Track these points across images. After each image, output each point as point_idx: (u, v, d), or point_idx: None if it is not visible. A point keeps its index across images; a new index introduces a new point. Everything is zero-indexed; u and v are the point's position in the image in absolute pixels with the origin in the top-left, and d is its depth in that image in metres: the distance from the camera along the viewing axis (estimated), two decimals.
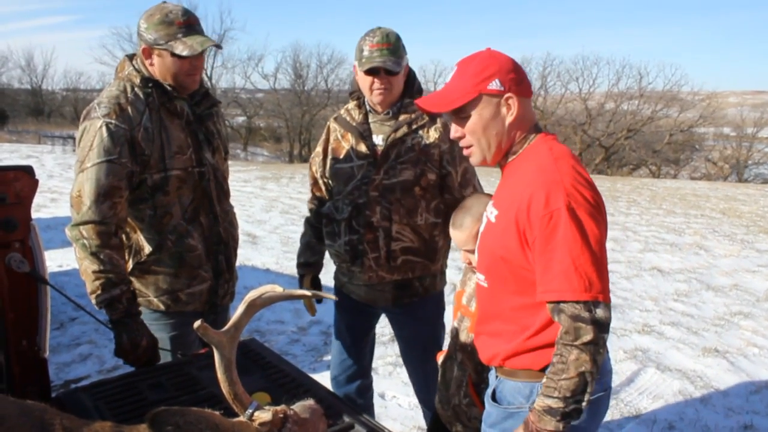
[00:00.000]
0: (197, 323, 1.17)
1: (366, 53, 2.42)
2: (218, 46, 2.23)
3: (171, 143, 2.22)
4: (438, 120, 2.54)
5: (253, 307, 1.25)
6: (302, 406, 1.37)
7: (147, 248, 2.28)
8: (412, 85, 2.57)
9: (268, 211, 9.51)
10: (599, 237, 1.54)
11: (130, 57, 2.29)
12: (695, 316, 5.29)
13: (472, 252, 2.07)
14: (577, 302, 1.50)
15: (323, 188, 2.73)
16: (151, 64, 2.20)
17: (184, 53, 2.12)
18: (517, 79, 1.67)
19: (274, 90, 42.63)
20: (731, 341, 4.75)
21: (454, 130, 1.75)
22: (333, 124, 2.68)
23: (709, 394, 3.89)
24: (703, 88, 38.94)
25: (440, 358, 2.35)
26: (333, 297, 1.54)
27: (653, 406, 3.73)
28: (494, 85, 1.66)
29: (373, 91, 2.46)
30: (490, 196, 2.12)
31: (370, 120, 2.59)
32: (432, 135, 2.52)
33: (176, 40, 2.13)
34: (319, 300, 2.87)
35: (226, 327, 1.23)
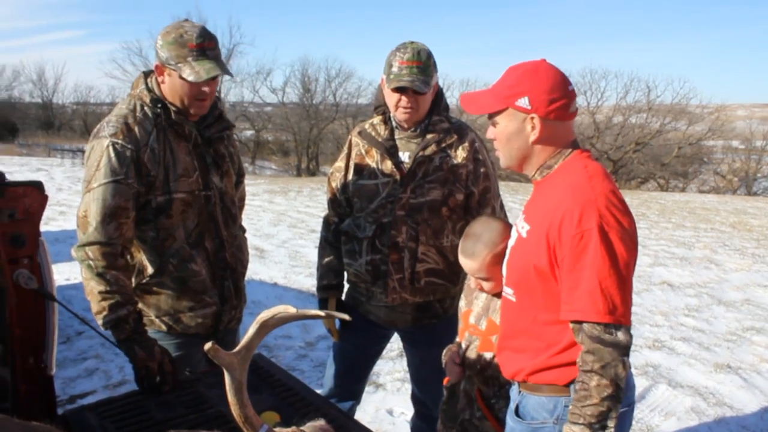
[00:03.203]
0: (208, 345, 1.15)
1: (395, 69, 2.35)
2: (228, 74, 2.20)
3: (177, 165, 2.20)
4: (466, 140, 2.51)
5: (265, 327, 1.23)
6: (313, 427, 1.35)
7: (149, 269, 2.25)
8: (439, 103, 2.51)
9: (276, 225, 9.51)
10: (628, 261, 1.54)
11: (147, 74, 2.27)
12: (707, 331, 5.23)
13: (484, 279, 2.05)
14: (599, 324, 1.51)
15: (343, 204, 2.65)
16: (163, 82, 2.19)
17: (190, 78, 2.10)
18: (549, 100, 1.65)
19: (283, 104, 42.82)
20: (744, 357, 4.69)
21: (489, 131, 1.78)
22: (356, 139, 2.60)
23: (723, 412, 3.83)
24: (712, 101, 38.76)
25: (446, 382, 2.32)
26: (347, 317, 1.51)
27: (665, 424, 3.68)
28: (522, 102, 1.66)
29: (398, 108, 2.41)
30: (501, 220, 2.10)
31: (396, 136, 2.52)
32: (460, 155, 2.48)
33: (185, 63, 2.11)
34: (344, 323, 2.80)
35: (237, 348, 1.21)
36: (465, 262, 2.07)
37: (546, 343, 1.69)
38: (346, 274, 2.71)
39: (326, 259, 2.73)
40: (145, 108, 2.18)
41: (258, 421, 1.22)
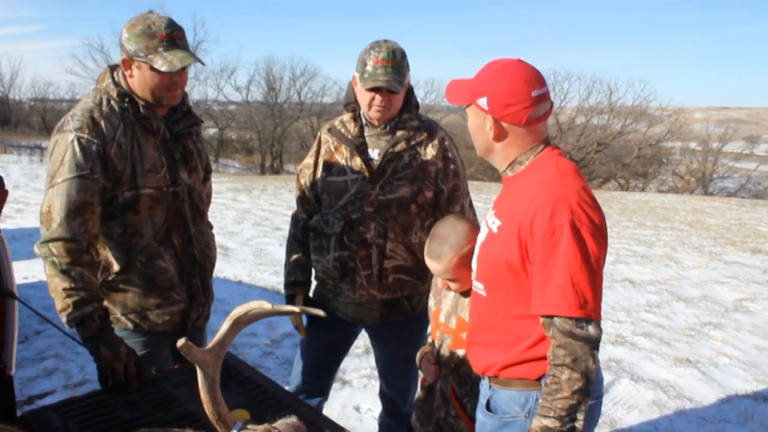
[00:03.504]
0: (181, 341, 1.12)
1: (370, 68, 2.33)
2: (200, 62, 2.16)
3: (144, 161, 2.15)
4: (435, 137, 2.51)
5: (239, 324, 1.21)
6: (285, 425, 1.33)
7: (115, 266, 2.19)
8: (410, 101, 2.51)
9: (240, 222, 9.41)
10: (598, 256, 1.57)
11: (113, 68, 2.21)
12: (667, 326, 5.36)
13: (451, 280, 2.06)
14: (570, 318, 1.53)
15: (312, 201, 2.64)
16: (131, 76, 2.13)
17: (163, 69, 2.05)
18: (506, 104, 1.65)
19: (247, 102, 42.41)
20: (702, 351, 4.81)
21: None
22: (325, 135, 2.59)
23: (683, 404, 3.93)
24: (671, 103, 39.83)
25: (422, 381, 2.32)
26: (322, 313, 1.50)
27: (628, 417, 3.75)
28: (482, 101, 1.67)
29: (372, 107, 2.40)
30: (467, 221, 2.11)
31: (366, 133, 2.51)
32: (429, 152, 2.48)
33: (156, 54, 2.05)
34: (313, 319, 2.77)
35: (210, 345, 1.19)
36: (431, 264, 2.07)
37: (516, 337, 1.70)
38: (313, 270, 2.69)
39: (294, 256, 2.71)
40: (112, 102, 2.13)
41: (231, 419, 1.20)
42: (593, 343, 1.55)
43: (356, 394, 4.00)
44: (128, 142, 2.12)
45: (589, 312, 1.53)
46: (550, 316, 1.56)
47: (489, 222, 1.78)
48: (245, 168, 40.50)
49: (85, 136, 2.04)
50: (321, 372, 2.79)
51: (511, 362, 1.72)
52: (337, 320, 2.62)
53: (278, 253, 7.55)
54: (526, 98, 1.65)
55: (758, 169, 38.64)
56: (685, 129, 36.68)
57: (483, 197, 12.41)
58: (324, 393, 2.83)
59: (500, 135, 1.69)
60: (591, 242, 1.55)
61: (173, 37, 2.08)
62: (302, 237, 2.68)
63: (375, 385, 4.13)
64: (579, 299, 1.52)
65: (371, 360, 4.45)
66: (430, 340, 2.31)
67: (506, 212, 1.71)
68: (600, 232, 1.59)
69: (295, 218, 2.74)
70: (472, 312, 1.92)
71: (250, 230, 8.88)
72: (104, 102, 2.12)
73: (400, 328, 2.62)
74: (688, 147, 37.02)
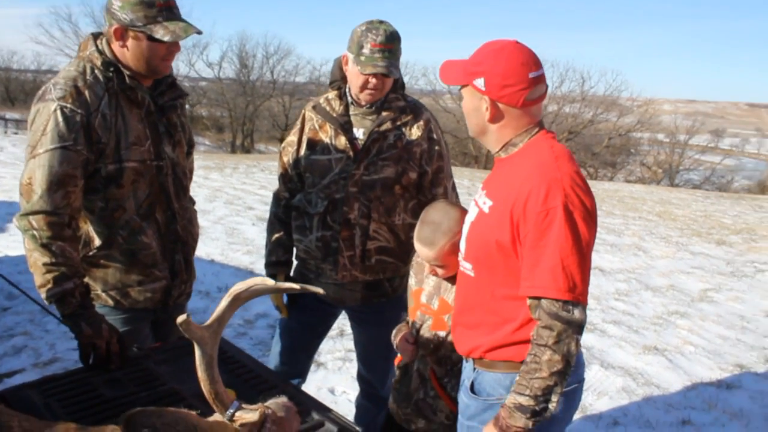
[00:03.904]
0: (181, 317, 1.10)
1: (367, 52, 2.30)
2: (199, 32, 2.10)
3: (128, 133, 2.09)
4: (421, 119, 2.50)
5: (238, 300, 1.19)
6: (277, 404, 1.32)
7: (96, 241, 2.15)
8: (396, 81, 2.50)
9: (212, 201, 9.31)
10: (589, 241, 1.58)
11: (95, 36, 2.14)
12: (635, 315, 5.47)
13: (440, 267, 2.06)
14: (558, 300, 1.54)
15: (295, 180, 2.61)
16: (123, 46, 2.06)
17: (166, 38, 2.00)
18: (502, 85, 1.66)
19: (219, 79, 41.78)
20: (669, 340, 4.93)
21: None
22: (309, 113, 2.56)
23: (651, 391, 4.02)
24: (642, 94, 40.36)
25: (398, 362, 2.33)
26: (321, 291, 1.49)
27: (598, 403, 3.83)
28: (479, 82, 1.67)
29: (365, 90, 2.38)
30: (459, 207, 2.11)
31: (351, 112, 2.49)
32: (414, 133, 2.47)
33: (156, 24, 2.00)
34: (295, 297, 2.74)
35: (208, 321, 1.17)
36: (422, 250, 2.05)
37: (502, 318, 1.72)
38: (294, 250, 2.68)
39: (275, 235, 2.69)
40: (96, 71, 2.06)
41: (228, 398, 1.19)
42: (578, 327, 1.56)
43: (331, 377, 4.01)
44: (112, 113, 2.06)
45: (578, 295, 1.55)
46: (538, 298, 1.58)
47: (480, 202, 1.78)
48: (215, 146, 39.97)
49: (69, 105, 1.98)
50: (300, 353, 2.78)
51: (496, 344, 1.73)
52: (317, 301, 2.61)
53: (251, 232, 7.49)
54: (523, 80, 1.65)
55: (723, 162, 39.55)
56: (655, 120, 37.28)
57: (456, 182, 12.44)
58: (302, 375, 2.83)
59: (496, 116, 1.69)
60: (582, 226, 1.57)
61: (170, 5, 2.04)
62: (284, 216, 2.66)
63: (349, 367, 4.15)
64: (568, 282, 1.54)
65: (345, 342, 4.46)
66: (408, 318, 2.31)
67: (498, 193, 1.71)
68: (591, 217, 1.60)
69: (276, 197, 2.72)
70: (458, 292, 1.92)
71: (222, 209, 8.79)
72: (88, 71, 2.06)
73: (380, 310, 2.63)
74: (656, 138, 37.68)
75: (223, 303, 1.18)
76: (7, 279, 2.23)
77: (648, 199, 12.65)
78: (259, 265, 6.21)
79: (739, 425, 3.61)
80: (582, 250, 1.56)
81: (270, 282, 1.21)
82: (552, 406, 1.58)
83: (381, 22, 2.36)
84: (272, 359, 2.79)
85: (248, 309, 5.02)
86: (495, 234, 1.66)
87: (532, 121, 1.72)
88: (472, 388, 1.83)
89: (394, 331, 2.31)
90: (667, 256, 7.60)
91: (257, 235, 7.28)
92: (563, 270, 1.53)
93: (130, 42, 2.05)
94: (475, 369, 1.83)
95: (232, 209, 8.81)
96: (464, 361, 1.94)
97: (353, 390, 3.82)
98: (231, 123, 40.54)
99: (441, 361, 2.14)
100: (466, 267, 1.81)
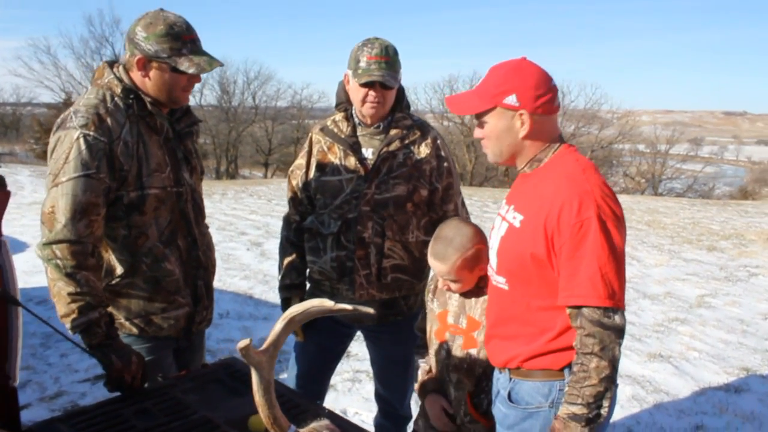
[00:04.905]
0: (243, 343, 1.10)
1: (363, 65, 2.35)
2: (221, 65, 2.14)
3: (149, 160, 2.10)
4: (428, 136, 2.53)
5: (292, 323, 1.20)
6: (321, 426, 1.32)
7: (119, 269, 2.13)
8: (401, 100, 2.54)
9: None
10: (622, 249, 1.62)
11: (110, 63, 2.15)
12: (636, 323, 5.49)
13: (453, 281, 2.08)
14: (599, 308, 1.57)
15: (305, 202, 2.63)
16: (145, 76, 2.07)
17: (191, 71, 2.03)
18: (536, 96, 1.70)
19: (200, 106, 41.68)
20: (672, 346, 4.96)
21: (476, 131, 1.82)
22: (317, 136, 2.59)
23: (660, 398, 4.04)
24: (621, 106, 40.85)
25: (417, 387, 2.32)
26: (371, 311, 1.50)
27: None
28: (510, 99, 1.69)
29: (365, 103, 2.41)
30: (472, 225, 2.13)
31: (358, 133, 2.53)
32: (423, 151, 2.50)
33: (182, 56, 2.03)
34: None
35: (264, 346, 1.17)
36: (435, 264, 2.09)
37: (539, 329, 1.74)
38: (308, 272, 2.68)
39: (288, 259, 2.70)
40: (116, 98, 2.07)
41: (286, 423, 1.19)
42: (620, 332, 1.60)
43: (342, 398, 3.98)
44: (134, 140, 2.07)
45: (617, 302, 1.59)
46: (579, 307, 1.60)
47: (508, 217, 1.81)
48: None
49: (92, 133, 1.97)
50: (317, 376, 2.77)
51: (534, 353, 1.75)
52: (333, 322, 2.61)
53: (246, 257, 7.46)
54: (550, 87, 1.73)
55: (704, 170, 40.11)
56: (635, 131, 37.76)
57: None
58: (320, 396, 2.81)
59: (533, 130, 1.72)
60: (616, 234, 1.61)
61: (194, 38, 2.07)
62: (295, 239, 2.67)
63: (359, 388, 4.13)
64: (608, 289, 1.57)
65: (353, 363, 4.44)
66: (432, 351, 2.26)
67: (529, 207, 1.74)
68: (622, 224, 1.65)
69: (287, 220, 2.72)
70: (491, 306, 1.94)
71: (215, 235, 8.59)
72: (108, 98, 2.06)
73: (396, 329, 2.63)
74: (637, 149, 38.15)
75: (278, 326, 1.18)
76: (41, 317, 2.17)
77: (636, 209, 12.76)
78: (258, 290, 6.18)
79: (752, 428, 3.63)
80: (618, 257, 1.60)
81: (328, 303, 1.22)
82: (604, 411, 1.61)
83: (377, 38, 2.42)
84: (289, 383, 2.77)
85: (251, 334, 4.99)
86: (529, 247, 1.69)
87: (556, 132, 1.77)
88: (509, 397, 1.84)
89: (419, 373, 2.29)
90: (661, 264, 7.67)
91: (252, 260, 7.25)
92: (602, 278, 1.57)
93: (153, 72, 2.07)
94: (511, 379, 1.85)
95: (225, 235, 8.76)
96: (497, 372, 1.95)
97: (366, 411, 3.80)
98: (215, 149, 40.40)
99: (478, 381, 2.14)
100: (499, 281, 1.84)
